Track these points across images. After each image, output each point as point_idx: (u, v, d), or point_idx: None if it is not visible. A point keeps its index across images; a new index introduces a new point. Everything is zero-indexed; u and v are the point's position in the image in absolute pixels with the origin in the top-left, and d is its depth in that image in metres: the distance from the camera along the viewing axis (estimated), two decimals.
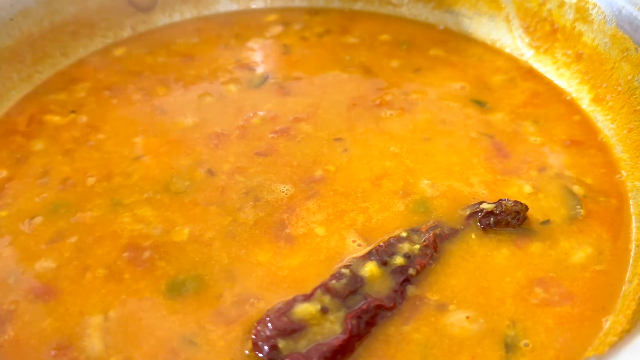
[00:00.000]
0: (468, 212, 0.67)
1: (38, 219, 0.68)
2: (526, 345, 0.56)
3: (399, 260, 0.60)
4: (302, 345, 0.53)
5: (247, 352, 0.55)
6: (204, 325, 0.57)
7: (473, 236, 0.65)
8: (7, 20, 0.88)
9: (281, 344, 0.53)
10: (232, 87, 0.88)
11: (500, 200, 0.66)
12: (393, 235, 0.63)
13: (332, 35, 0.98)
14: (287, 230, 0.66)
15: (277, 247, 0.64)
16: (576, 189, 0.70)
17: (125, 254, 0.64)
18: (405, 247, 0.62)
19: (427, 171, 0.73)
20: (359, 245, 0.64)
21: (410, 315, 0.58)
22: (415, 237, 0.63)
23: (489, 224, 0.65)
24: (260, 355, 0.53)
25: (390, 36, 0.98)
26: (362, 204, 0.69)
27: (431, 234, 0.63)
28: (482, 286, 0.60)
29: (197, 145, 0.77)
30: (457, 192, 0.70)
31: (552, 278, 0.61)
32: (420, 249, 0.62)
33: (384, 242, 0.62)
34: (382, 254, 0.61)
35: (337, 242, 0.65)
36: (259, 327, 0.55)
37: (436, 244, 0.63)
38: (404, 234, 0.63)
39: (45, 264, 0.64)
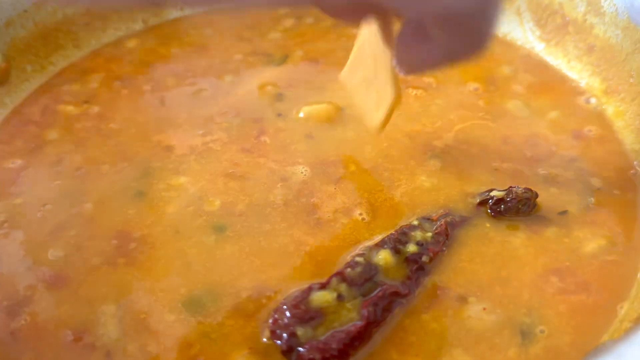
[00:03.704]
0: (478, 199, 0.67)
1: (49, 207, 0.69)
2: (542, 331, 0.56)
3: (411, 248, 0.60)
4: (320, 332, 0.53)
5: (264, 339, 0.55)
6: (222, 322, 0.57)
7: (488, 225, 0.65)
8: (22, 12, 0.88)
9: (299, 331, 0.53)
10: (248, 71, 0.89)
11: (511, 187, 0.66)
12: (404, 224, 0.64)
13: (340, 26, 0.98)
14: (316, 216, 0.66)
15: (307, 229, 0.65)
16: (589, 180, 0.70)
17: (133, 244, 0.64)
18: (418, 235, 0.62)
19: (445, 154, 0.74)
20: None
21: (430, 305, 0.58)
22: (426, 225, 0.64)
23: (500, 211, 0.65)
24: (279, 342, 0.53)
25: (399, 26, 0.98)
26: (391, 184, 0.70)
27: (443, 222, 0.64)
28: (500, 274, 0.61)
29: (215, 125, 0.79)
30: (468, 178, 0.70)
31: (567, 267, 0.61)
32: (432, 237, 0.62)
33: (396, 231, 0.62)
34: (394, 242, 0.61)
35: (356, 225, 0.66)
36: (276, 315, 0.55)
37: (448, 232, 0.63)
38: (416, 222, 0.64)
39: (55, 252, 0.64)
